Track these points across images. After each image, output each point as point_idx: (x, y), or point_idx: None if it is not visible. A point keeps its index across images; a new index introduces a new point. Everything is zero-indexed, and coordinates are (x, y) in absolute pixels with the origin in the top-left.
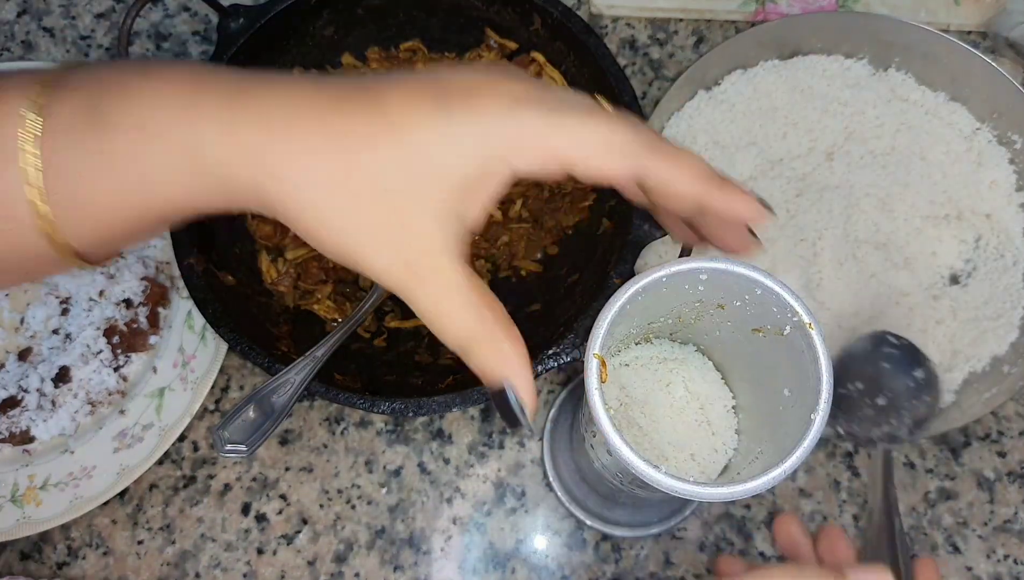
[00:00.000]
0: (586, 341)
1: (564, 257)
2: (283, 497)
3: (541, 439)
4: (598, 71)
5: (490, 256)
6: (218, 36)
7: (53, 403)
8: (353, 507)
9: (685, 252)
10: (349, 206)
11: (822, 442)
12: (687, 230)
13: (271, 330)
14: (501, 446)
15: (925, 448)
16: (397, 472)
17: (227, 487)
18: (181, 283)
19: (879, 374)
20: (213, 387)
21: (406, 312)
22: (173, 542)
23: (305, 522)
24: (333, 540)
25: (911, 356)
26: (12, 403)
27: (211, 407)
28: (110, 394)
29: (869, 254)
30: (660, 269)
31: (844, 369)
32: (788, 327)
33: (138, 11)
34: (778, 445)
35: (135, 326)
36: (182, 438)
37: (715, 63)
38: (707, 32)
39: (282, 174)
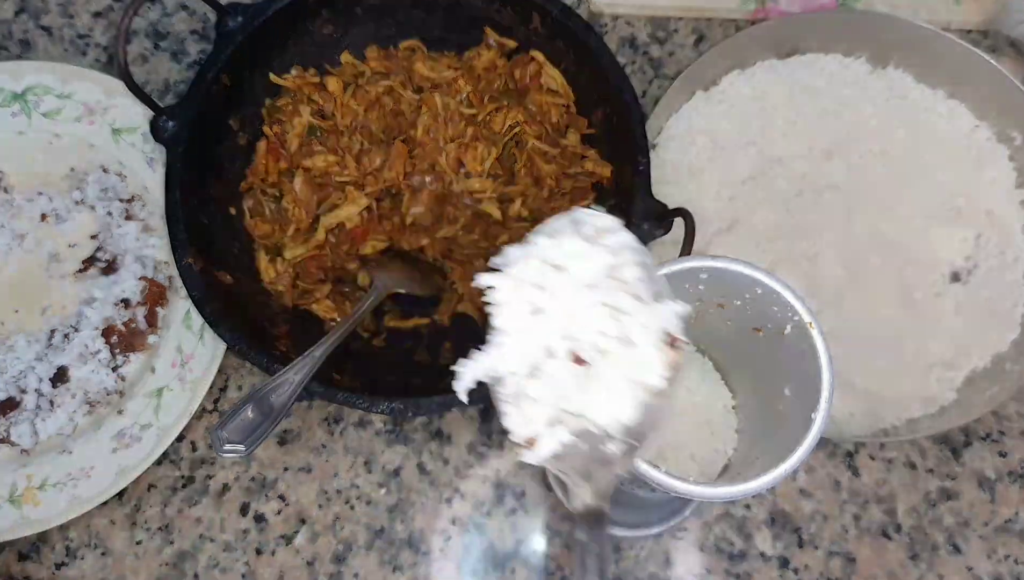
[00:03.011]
0: None
1: None
2: (282, 497)
3: None
4: (598, 69)
5: (489, 255)
6: (216, 35)
7: (51, 403)
8: (352, 507)
9: (685, 252)
10: None
11: (822, 442)
12: None
13: (269, 330)
14: (500, 446)
15: (926, 448)
16: (396, 472)
17: (226, 487)
18: (179, 283)
19: None
20: (211, 387)
21: (405, 312)
22: (172, 542)
23: (304, 522)
24: (332, 540)
25: None
26: (11, 405)
27: (209, 407)
28: (108, 394)
29: (870, 253)
30: (660, 268)
31: None
32: (789, 326)
33: (136, 10)
34: (778, 445)
35: (133, 326)
36: (180, 438)
37: (713, 63)
38: (707, 30)
39: None
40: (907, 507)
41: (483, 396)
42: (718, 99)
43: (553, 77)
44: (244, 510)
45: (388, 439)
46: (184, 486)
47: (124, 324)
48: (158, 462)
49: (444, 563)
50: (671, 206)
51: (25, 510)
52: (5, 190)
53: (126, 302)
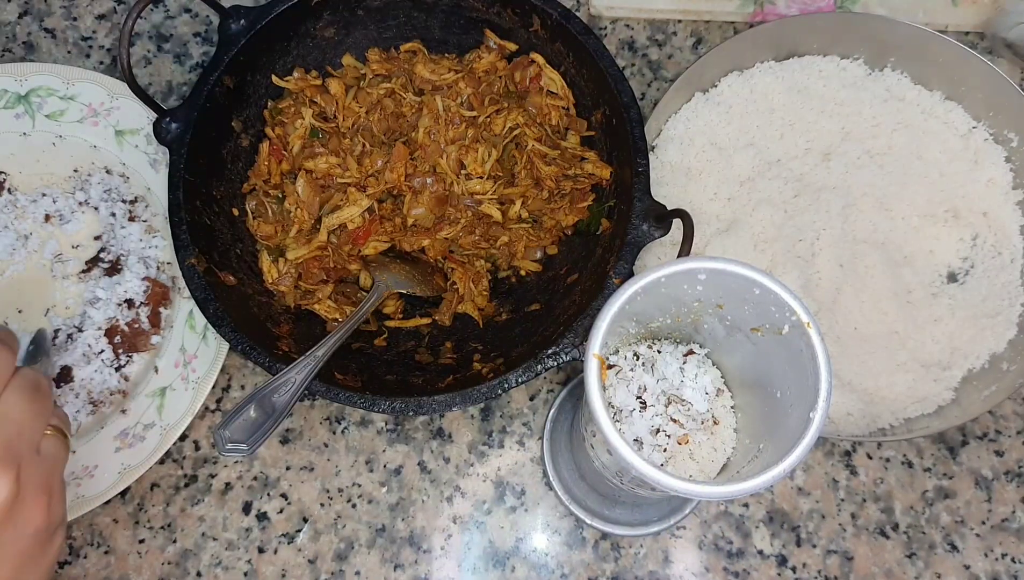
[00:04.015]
0: (585, 341)
1: (563, 257)
2: (284, 496)
3: (541, 438)
4: (597, 72)
5: (490, 256)
6: (219, 37)
7: (55, 403)
8: (354, 506)
9: (684, 253)
10: None
11: (820, 441)
12: None
13: (272, 330)
14: (501, 445)
15: (923, 447)
16: (397, 471)
17: (228, 486)
18: (183, 283)
19: None
20: (214, 387)
21: (407, 312)
22: (174, 541)
23: (306, 521)
24: (334, 539)
25: None
26: None
27: (212, 406)
28: (111, 394)
29: (867, 253)
30: (659, 269)
31: None
32: (786, 326)
33: (139, 12)
34: (777, 444)
35: (137, 326)
36: (183, 437)
37: (712, 65)
38: (706, 33)
39: None
40: (904, 506)
41: (483, 395)
42: (716, 101)
43: (553, 79)
44: (246, 509)
45: (389, 438)
46: (187, 485)
47: (127, 324)
48: (161, 461)
49: (445, 561)
50: (670, 207)
51: None
52: (9, 191)
53: (129, 302)
